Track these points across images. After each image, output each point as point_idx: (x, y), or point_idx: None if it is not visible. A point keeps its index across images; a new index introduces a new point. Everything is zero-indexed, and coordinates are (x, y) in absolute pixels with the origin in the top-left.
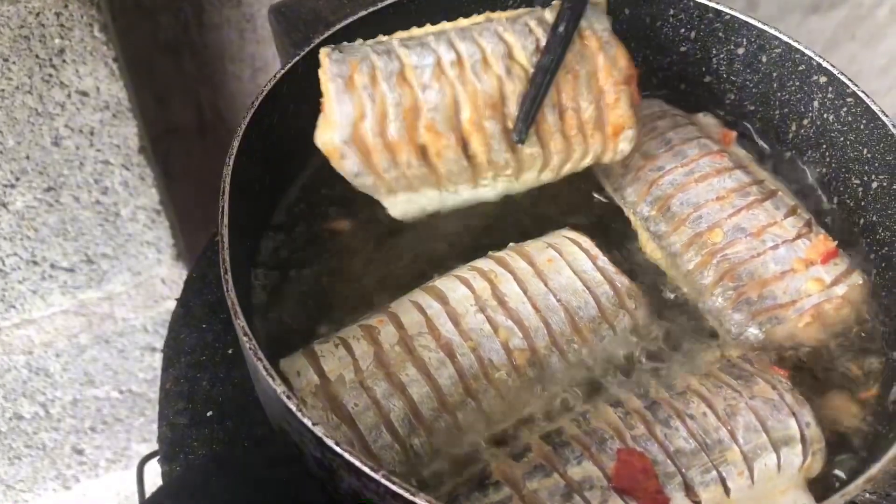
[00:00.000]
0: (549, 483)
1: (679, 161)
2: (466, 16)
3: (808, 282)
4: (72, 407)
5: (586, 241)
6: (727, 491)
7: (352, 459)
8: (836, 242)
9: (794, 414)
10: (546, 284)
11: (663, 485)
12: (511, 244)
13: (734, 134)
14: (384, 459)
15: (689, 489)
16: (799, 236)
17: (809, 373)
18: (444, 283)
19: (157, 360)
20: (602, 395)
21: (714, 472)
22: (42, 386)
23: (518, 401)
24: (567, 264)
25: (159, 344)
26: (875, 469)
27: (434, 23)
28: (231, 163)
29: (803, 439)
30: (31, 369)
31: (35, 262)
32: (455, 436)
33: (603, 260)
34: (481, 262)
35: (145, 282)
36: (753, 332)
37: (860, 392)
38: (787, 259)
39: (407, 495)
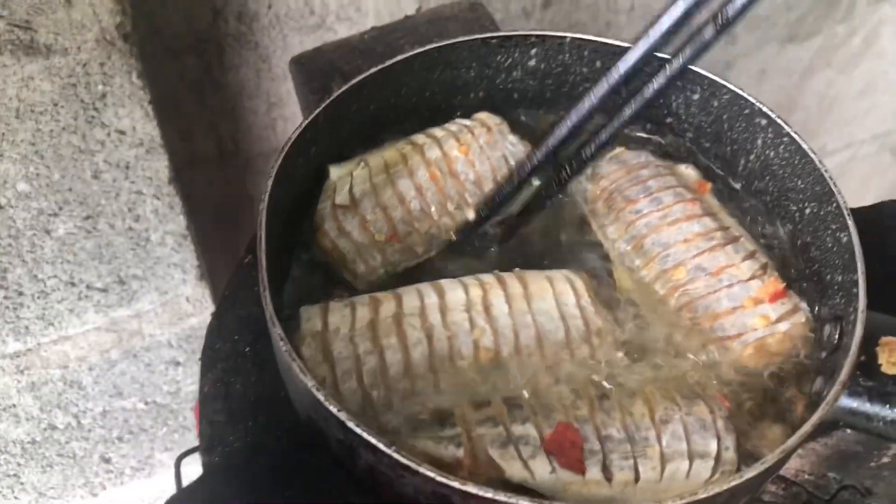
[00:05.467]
0: (494, 432)
1: (655, 206)
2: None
3: (755, 317)
4: (101, 418)
5: (579, 283)
6: (637, 478)
7: (368, 437)
8: (784, 284)
9: (718, 437)
10: (528, 305)
11: (585, 458)
12: (517, 269)
13: (709, 185)
14: (346, 399)
15: (605, 467)
16: (753, 277)
17: (750, 395)
18: (449, 284)
19: (180, 373)
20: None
21: (631, 461)
22: (75, 398)
23: (469, 388)
24: (553, 295)
25: (182, 358)
26: (790, 442)
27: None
28: (266, 199)
29: (718, 458)
30: (66, 382)
31: (73, 284)
32: (408, 398)
33: (587, 300)
34: (485, 276)
35: (171, 301)
36: (702, 358)
37: (792, 414)
38: (739, 297)
39: (413, 465)
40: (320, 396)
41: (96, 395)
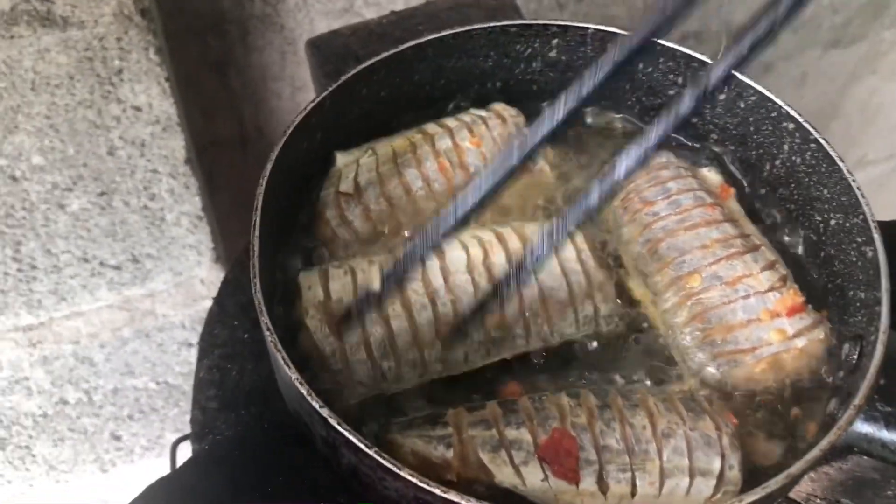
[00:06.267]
0: (487, 435)
1: (673, 209)
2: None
3: (771, 332)
4: (112, 395)
5: (578, 236)
6: (633, 492)
7: (349, 437)
8: (803, 299)
9: (723, 455)
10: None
11: (580, 468)
12: (514, 223)
13: (732, 190)
14: (356, 371)
15: (601, 479)
16: (771, 289)
17: (757, 413)
18: (447, 243)
19: (193, 354)
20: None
21: (629, 473)
22: (86, 374)
23: (476, 354)
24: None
25: (195, 340)
26: (796, 467)
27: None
28: (264, 183)
29: (721, 477)
30: (78, 358)
31: (86, 260)
32: (417, 369)
33: (587, 255)
34: (483, 233)
35: (185, 282)
36: (711, 371)
37: (800, 434)
38: (756, 309)
39: (394, 468)
40: (303, 390)
41: (108, 372)
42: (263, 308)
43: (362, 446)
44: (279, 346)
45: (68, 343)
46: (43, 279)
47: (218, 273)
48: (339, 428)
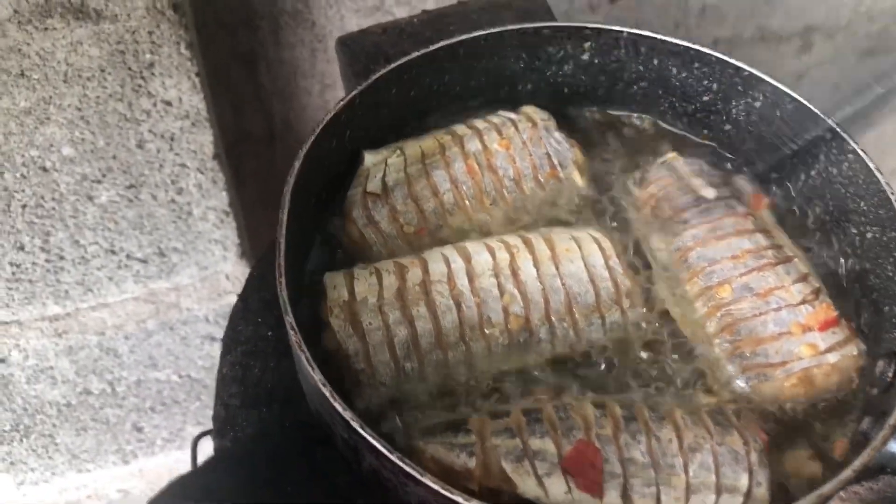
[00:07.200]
0: (510, 444)
1: (704, 218)
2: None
3: (802, 346)
4: (135, 387)
5: (606, 242)
6: None
7: (372, 441)
8: (837, 313)
9: (750, 471)
10: (557, 268)
11: (604, 480)
12: (542, 228)
13: (766, 200)
14: (379, 372)
15: (625, 493)
16: (804, 302)
17: (786, 427)
18: (474, 246)
19: (216, 349)
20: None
21: (654, 488)
22: (110, 365)
23: (501, 358)
24: (581, 257)
25: (219, 334)
26: (827, 487)
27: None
28: (292, 181)
29: (748, 495)
30: (102, 349)
31: (113, 252)
32: (441, 371)
33: (615, 261)
34: (510, 238)
35: (210, 276)
36: (740, 384)
37: (830, 452)
38: (787, 322)
39: (416, 475)
40: (326, 392)
41: (131, 364)
42: (289, 308)
43: (384, 450)
44: (303, 347)
45: (93, 334)
46: (70, 270)
47: (243, 268)
48: (361, 431)
